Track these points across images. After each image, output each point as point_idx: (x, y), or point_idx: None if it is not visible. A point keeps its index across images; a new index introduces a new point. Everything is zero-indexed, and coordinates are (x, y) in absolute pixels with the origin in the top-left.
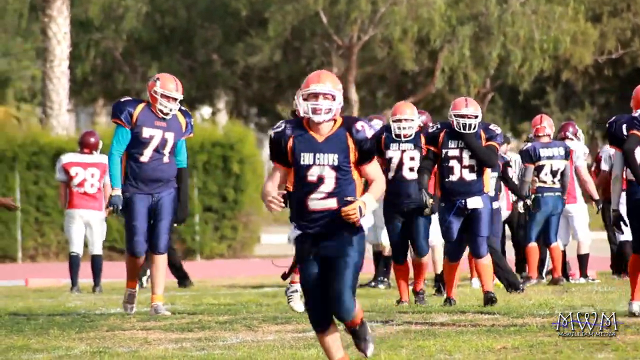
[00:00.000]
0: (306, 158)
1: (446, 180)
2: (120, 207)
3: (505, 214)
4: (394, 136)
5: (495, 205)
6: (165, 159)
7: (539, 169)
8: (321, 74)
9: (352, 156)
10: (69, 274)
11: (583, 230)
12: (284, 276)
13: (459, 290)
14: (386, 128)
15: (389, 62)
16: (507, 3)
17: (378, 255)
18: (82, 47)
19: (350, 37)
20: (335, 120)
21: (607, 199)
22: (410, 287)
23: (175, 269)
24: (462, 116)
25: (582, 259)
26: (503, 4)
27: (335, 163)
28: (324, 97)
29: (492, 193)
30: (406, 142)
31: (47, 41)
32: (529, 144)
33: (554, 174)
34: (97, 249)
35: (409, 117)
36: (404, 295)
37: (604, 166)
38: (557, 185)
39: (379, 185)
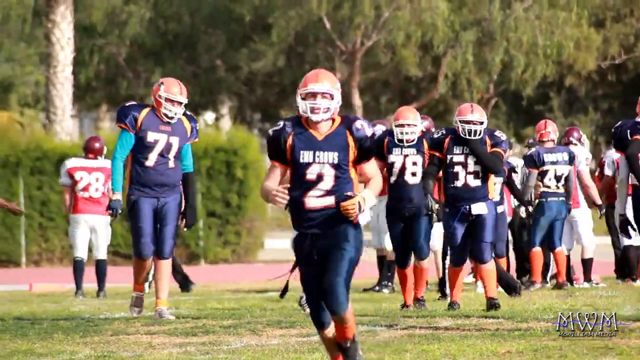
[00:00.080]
0: (306, 156)
1: (451, 186)
2: (120, 211)
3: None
4: (396, 141)
5: (500, 209)
6: (171, 164)
7: (543, 174)
8: (319, 73)
9: (352, 154)
10: (74, 279)
11: (587, 235)
12: (282, 294)
13: (463, 294)
14: (389, 133)
15: (392, 67)
16: (510, 8)
17: (382, 259)
18: (85, 53)
19: (353, 43)
20: (333, 120)
21: (611, 204)
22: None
23: (176, 272)
24: (468, 122)
25: (586, 264)
26: (506, 9)
27: (335, 161)
28: (322, 96)
29: (497, 198)
30: (409, 147)
31: (51, 46)
32: (533, 149)
33: (558, 179)
34: (102, 254)
35: (412, 122)
36: (408, 300)
37: (608, 171)
38: (561, 190)
39: (377, 182)
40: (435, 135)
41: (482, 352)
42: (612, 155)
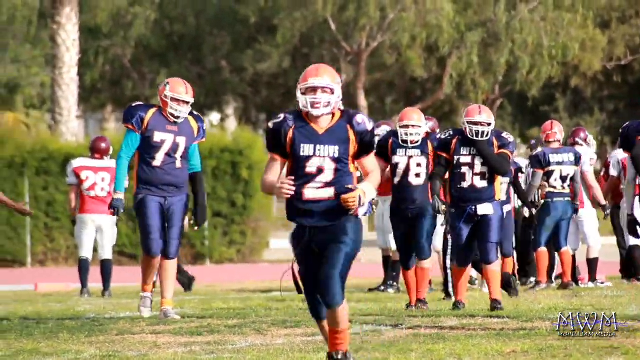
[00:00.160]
0: (306, 149)
1: (457, 186)
2: (122, 210)
3: None
4: (400, 142)
5: (506, 208)
6: (178, 164)
7: (548, 175)
8: (319, 68)
9: (352, 148)
10: (79, 278)
11: (593, 235)
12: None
13: (468, 294)
14: (393, 133)
15: (398, 68)
16: (515, 10)
17: (387, 259)
18: (91, 54)
19: (359, 44)
20: (333, 114)
21: (616, 204)
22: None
23: (178, 272)
24: (475, 123)
25: (592, 264)
26: (512, 10)
27: (336, 155)
28: (323, 90)
29: (503, 197)
30: (413, 148)
31: (56, 48)
32: (539, 149)
33: (563, 179)
34: (107, 253)
35: (417, 123)
36: (413, 300)
37: (613, 172)
38: (567, 191)
39: (377, 176)
40: (443, 136)
41: (487, 352)
42: (618, 155)
